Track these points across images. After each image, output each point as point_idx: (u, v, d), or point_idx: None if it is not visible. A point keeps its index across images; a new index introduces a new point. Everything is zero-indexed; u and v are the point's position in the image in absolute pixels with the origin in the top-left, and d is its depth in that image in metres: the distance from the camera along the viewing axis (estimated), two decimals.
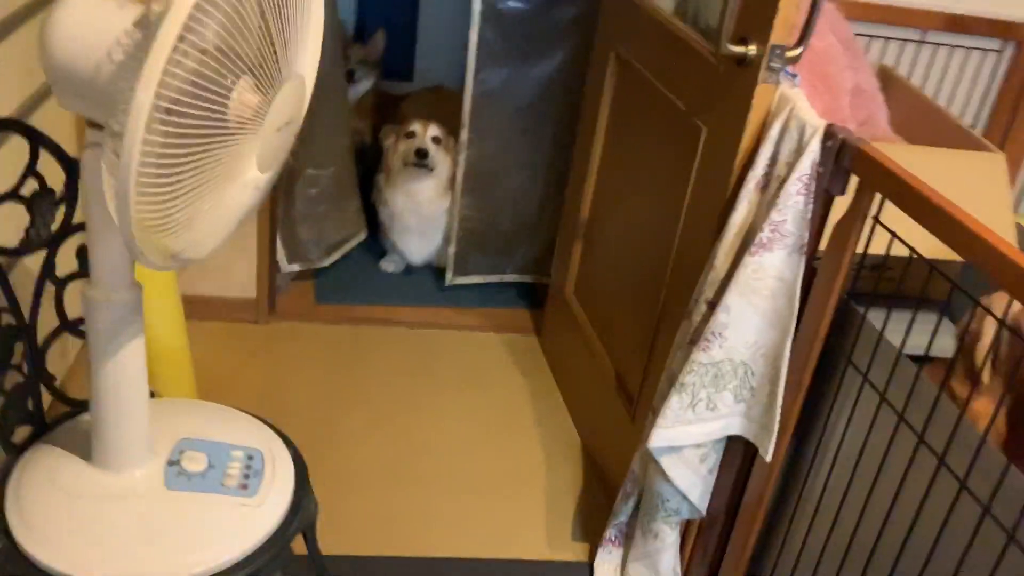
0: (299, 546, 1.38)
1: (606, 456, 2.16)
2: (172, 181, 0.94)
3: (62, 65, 0.99)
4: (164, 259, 1.00)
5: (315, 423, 2.26)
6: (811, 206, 1.45)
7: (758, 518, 1.65)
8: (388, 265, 2.93)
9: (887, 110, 2.22)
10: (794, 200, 1.45)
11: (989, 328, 1.43)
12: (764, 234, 1.47)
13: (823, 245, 1.49)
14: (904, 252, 1.33)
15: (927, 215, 1.22)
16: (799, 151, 1.45)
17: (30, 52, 1.64)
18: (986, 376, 1.43)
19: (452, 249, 2.75)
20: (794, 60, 1.52)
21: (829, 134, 1.41)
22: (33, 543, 1.19)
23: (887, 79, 2.36)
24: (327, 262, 2.73)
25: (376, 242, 2.95)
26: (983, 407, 1.40)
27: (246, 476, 1.31)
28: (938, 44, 2.54)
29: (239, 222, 1.07)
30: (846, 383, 1.48)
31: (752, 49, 1.52)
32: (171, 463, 1.30)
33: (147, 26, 0.97)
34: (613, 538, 1.90)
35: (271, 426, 1.45)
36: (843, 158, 1.40)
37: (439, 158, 2.74)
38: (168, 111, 0.93)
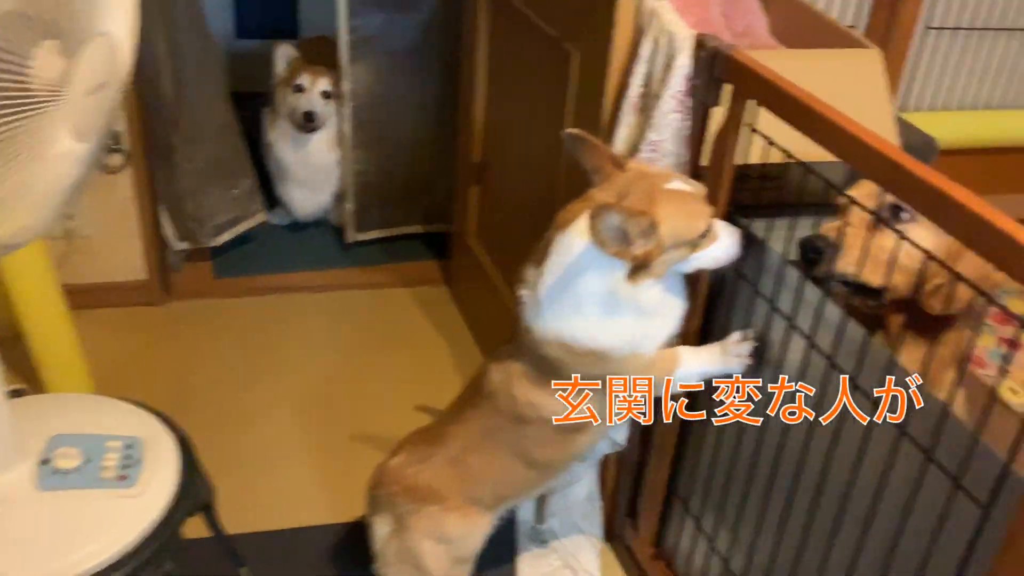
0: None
1: None
2: None
3: None
4: None
5: (224, 401, 2.18)
6: (688, 122, 1.41)
7: (669, 441, 1.64)
8: (273, 218, 2.83)
9: (766, 18, 2.19)
10: (671, 118, 1.41)
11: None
12: (644, 155, 1.43)
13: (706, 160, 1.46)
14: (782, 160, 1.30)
15: (797, 115, 1.19)
16: (670, 66, 1.40)
17: None
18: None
19: (350, 206, 2.66)
20: None
21: (700, 44, 1.37)
22: None
23: None
24: (218, 241, 2.61)
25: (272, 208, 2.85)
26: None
27: (125, 467, 1.24)
28: None
29: (64, 199, 0.98)
30: (741, 298, 1.45)
31: None
32: (44, 462, 1.23)
33: None
34: None
35: (152, 411, 1.38)
36: (715, 68, 1.35)
37: (328, 112, 2.64)
38: None
